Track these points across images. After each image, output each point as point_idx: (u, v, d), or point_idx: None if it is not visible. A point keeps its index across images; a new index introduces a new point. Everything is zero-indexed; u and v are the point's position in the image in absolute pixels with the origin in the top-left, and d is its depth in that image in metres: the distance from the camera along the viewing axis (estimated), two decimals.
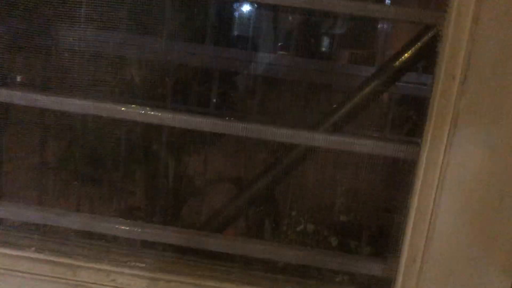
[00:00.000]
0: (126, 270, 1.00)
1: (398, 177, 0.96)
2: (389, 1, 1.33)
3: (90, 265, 1.00)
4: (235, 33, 1.54)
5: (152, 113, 0.99)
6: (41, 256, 1.01)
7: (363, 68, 1.45)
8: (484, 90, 0.83)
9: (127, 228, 1.04)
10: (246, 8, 1.51)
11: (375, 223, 1.10)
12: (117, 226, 1.04)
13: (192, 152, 1.44)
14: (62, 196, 1.25)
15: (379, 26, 1.43)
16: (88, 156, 1.28)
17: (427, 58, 1.14)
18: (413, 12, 0.90)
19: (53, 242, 1.04)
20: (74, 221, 1.05)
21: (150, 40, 1.27)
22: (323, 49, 1.60)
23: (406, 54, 1.17)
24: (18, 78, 1.07)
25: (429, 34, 1.13)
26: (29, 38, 1.05)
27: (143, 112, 1.00)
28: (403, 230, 0.93)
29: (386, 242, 1.00)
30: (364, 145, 0.98)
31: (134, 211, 1.36)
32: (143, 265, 1.01)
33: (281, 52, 1.55)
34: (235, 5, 1.49)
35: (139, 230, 1.03)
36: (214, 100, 1.44)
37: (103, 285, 0.99)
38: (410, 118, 1.30)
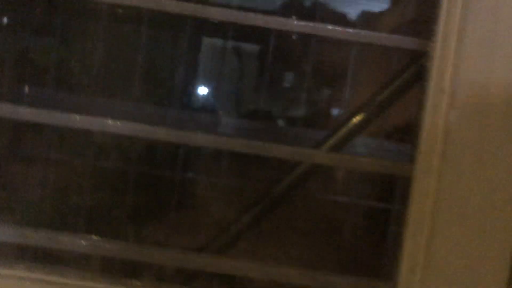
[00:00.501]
0: None
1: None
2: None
3: (84, 283, 0.96)
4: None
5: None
6: (31, 275, 0.97)
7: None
8: (471, 101, 0.91)
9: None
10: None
11: (374, 238, 1.12)
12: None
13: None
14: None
15: None
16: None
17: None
18: (403, 39, 1.00)
19: (45, 260, 1.00)
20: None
21: None
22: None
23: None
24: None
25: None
26: None
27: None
28: (402, 242, 0.95)
29: (385, 256, 1.02)
30: (360, 163, 1.02)
31: None
32: (140, 283, 0.98)
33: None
34: None
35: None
36: None
37: None
38: None
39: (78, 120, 1.03)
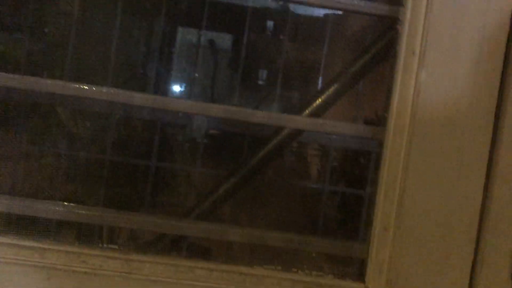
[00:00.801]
0: (98, 252, 0.96)
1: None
2: None
3: (59, 247, 0.95)
4: None
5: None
6: (4, 239, 0.96)
7: None
8: (441, 62, 0.94)
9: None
10: None
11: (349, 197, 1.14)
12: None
13: None
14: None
15: None
16: None
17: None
18: (374, 4, 1.03)
19: (18, 225, 0.98)
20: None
21: None
22: None
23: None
24: None
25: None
26: None
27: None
28: (374, 200, 0.98)
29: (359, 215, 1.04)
30: (335, 127, 1.05)
31: None
32: (116, 246, 0.97)
33: None
34: None
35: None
36: None
37: (73, 266, 0.94)
38: None
39: (49, 85, 1.02)
